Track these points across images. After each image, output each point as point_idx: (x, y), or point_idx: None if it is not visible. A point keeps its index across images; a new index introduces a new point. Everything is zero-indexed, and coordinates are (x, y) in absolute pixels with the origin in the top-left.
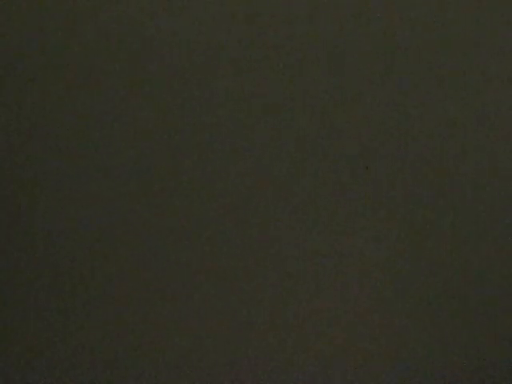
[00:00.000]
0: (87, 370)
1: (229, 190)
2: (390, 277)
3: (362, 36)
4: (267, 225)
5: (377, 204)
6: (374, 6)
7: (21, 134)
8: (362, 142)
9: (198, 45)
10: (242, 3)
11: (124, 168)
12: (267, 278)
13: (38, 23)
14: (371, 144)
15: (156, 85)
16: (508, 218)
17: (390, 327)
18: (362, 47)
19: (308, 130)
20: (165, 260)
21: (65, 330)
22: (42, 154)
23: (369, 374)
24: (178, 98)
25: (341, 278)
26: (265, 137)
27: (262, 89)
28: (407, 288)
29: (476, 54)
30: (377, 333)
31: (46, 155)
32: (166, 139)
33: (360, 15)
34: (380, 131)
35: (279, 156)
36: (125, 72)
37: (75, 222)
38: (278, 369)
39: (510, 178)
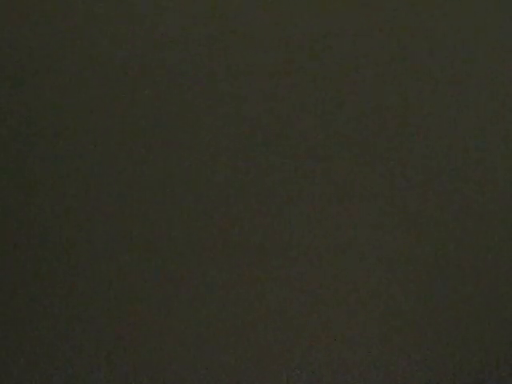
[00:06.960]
0: (87, 369)
1: (229, 174)
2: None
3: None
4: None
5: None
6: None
7: (20, 134)
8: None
9: (194, 45)
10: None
11: (123, 166)
12: (270, 271)
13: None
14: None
15: (155, 86)
16: None
17: (391, 324)
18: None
19: (307, 122)
20: (166, 260)
21: (65, 329)
22: (41, 152)
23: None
24: (178, 97)
25: (341, 273)
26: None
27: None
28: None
29: None
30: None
31: (46, 154)
32: (165, 139)
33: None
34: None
35: (280, 155)
36: (122, 72)
37: (76, 220)
38: (281, 367)
39: None
